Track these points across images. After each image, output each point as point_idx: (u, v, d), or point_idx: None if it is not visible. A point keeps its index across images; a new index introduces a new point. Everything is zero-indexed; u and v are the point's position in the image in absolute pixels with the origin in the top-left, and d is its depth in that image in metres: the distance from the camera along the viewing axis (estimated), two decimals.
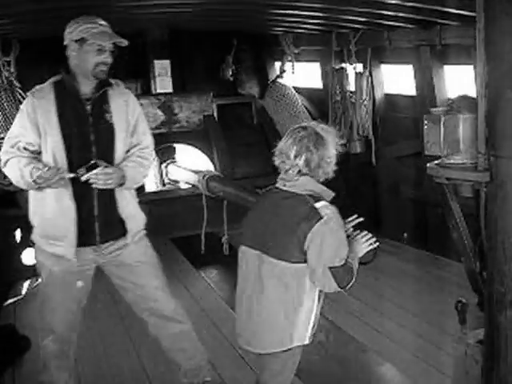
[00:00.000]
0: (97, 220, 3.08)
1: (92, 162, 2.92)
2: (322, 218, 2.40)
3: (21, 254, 5.74)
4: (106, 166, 2.94)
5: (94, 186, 2.96)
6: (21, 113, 3.06)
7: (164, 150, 7.57)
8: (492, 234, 2.05)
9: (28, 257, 5.73)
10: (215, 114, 7.72)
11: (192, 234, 7.08)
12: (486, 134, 2.01)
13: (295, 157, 2.45)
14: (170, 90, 7.52)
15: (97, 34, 2.97)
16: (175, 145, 7.65)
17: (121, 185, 3.06)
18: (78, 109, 3.03)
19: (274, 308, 2.52)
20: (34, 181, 2.91)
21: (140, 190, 6.97)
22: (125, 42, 3.06)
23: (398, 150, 6.49)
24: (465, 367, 2.48)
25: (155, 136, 7.21)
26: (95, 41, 2.97)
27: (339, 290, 2.45)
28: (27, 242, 5.69)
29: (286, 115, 7.45)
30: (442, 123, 2.12)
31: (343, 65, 6.46)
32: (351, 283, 2.48)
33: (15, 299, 5.32)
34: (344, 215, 6.94)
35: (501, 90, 1.95)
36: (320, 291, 2.54)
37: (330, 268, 2.39)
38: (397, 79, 6.42)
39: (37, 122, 2.98)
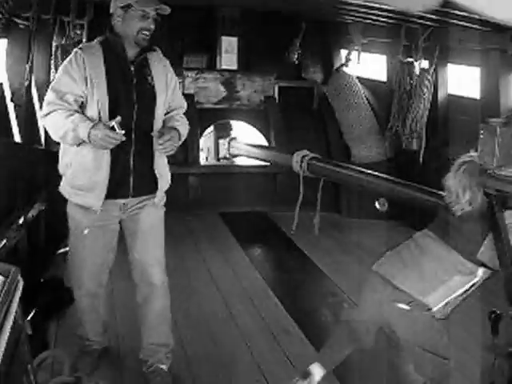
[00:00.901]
0: (132, 174, 3.23)
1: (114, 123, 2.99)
2: None
3: None
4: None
5: (164, 153, 3.21)
6: (69, 64, 3.12)
7: (221, 126, 7.68)
8: None
9: None
10: (276, 96, 7.77)
11: (241, 211, 7.23)
12: None
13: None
14: (234, 67, 7.60)
15: (141, 0, 3.10)
16: (232, 121, 7.75)
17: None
18: (123, 68, 3.20)
19: (432, 264, 2.77)
20: (89, 139, 2.97)
21: (194, 162, 7.21)
22: (168, 10, 3.18)
23: (454, 151, 6.39)
24: (491, 377, 2.50)
25: (215, 111, 7.51)
26: (139, 7, 3.09)
27: None
28: None
29: (347, 104, 7.43)
30: (497, 134, 2.13)
31: (411, 59, 6.40)
32: None
33: (64, 251, 5.50)
34: (392, 210, 6.85)
35: None
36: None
37: None
38: (462, 80, 6.32)
39: (85, 75, 3.09)
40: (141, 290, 3.48)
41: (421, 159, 6.33)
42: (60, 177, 3.34)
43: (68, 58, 3.18)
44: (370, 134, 7.29)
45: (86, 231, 3.30)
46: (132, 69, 3.20)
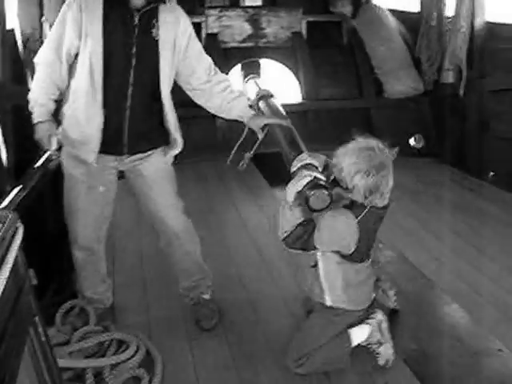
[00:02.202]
0: (126, 131, 3.03)
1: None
2: None
3: None
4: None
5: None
6: (64, 10, 2.93)
7: (248, 65, 7.45)
8: None
9: None
10: (304, 32, 7.49)
11: (271, 152, 7.05)
12: None
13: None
14: (258, 3, 7.37)
15: None
16: (260, 60, 7.51)
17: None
18: (125, 18, 2.91)
19: None
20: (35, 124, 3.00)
21: None
22: None
23: (494, 83, 6.11)
24: None
25: (240, 50, 7.31)
26: None
27: None
28: None
29: (378, 38, 7.13)
30: None
31: None
32: None
33: None
34: (428, 146, 6.72)
35: None
36: None
37: None
38: (501, 6, 5.96)
39: (80, 22, 2.87)
40: (162, 238, 3.38)
41: (461, 91, 6.05)
42: None
43: (65, 3, 2.96)
44: (403, 67, 7.01)
45: (101, 188, 3.17)
46: (135, 19, 2.91)
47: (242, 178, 6.21)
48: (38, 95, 3.00)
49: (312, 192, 2.49)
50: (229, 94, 3.21)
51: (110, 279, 3.56)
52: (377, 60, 7.13)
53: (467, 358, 3.15)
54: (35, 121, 2.99)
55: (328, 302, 2.89)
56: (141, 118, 3.05)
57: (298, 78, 7.28)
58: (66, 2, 2.95)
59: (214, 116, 6.93)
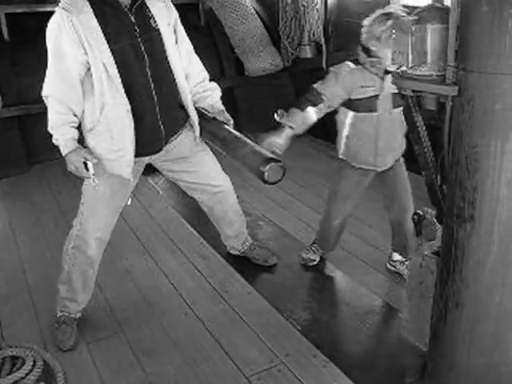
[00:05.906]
0: (163, 128, 3.08)
1: None
2: None
3: None
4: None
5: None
6: (59, 33, 2.73)
7: None
8: (456, 149, 2.02)
9: None
10: None
11: None
12: (456, 47, 1.94)
13: None
14: None
15: None
16: None
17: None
18: (120, 19, 2.83)
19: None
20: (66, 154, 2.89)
21: None
22: None
23: (349, 55, 6.38)
24: (419, 277, 2.53)
25: None
26: None
27: None
28: None
29: (234, 17, 7.18)
30: (411, 33, 2.04)
31: None
32: None
33: None
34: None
35: (474, 1, 1.87)
36: None
37: None
38: None
39: (79, 39, 2.73)
40: (209, 200, 3.68)
41: (324, 65, 6.26)
42: None
43: (53, 24, 2.76)
44: (261, 45, 7.13)
45: (129, 202, 3.32)
46: (131, 17, 2.84)
47: None
48: (59, 127, 2.86)
49: (267, 166, 2.54)
50: (204, 84, 3.38)
51: None
52: (235, 40, 7.19)
53: (356, 319, 3.36)
54: (64, 152, 2.88)
55: (339, 154, 3.25)
56: (169, 107, 3.08)
57: None
58: (53, 25, 2.76)
59: None
